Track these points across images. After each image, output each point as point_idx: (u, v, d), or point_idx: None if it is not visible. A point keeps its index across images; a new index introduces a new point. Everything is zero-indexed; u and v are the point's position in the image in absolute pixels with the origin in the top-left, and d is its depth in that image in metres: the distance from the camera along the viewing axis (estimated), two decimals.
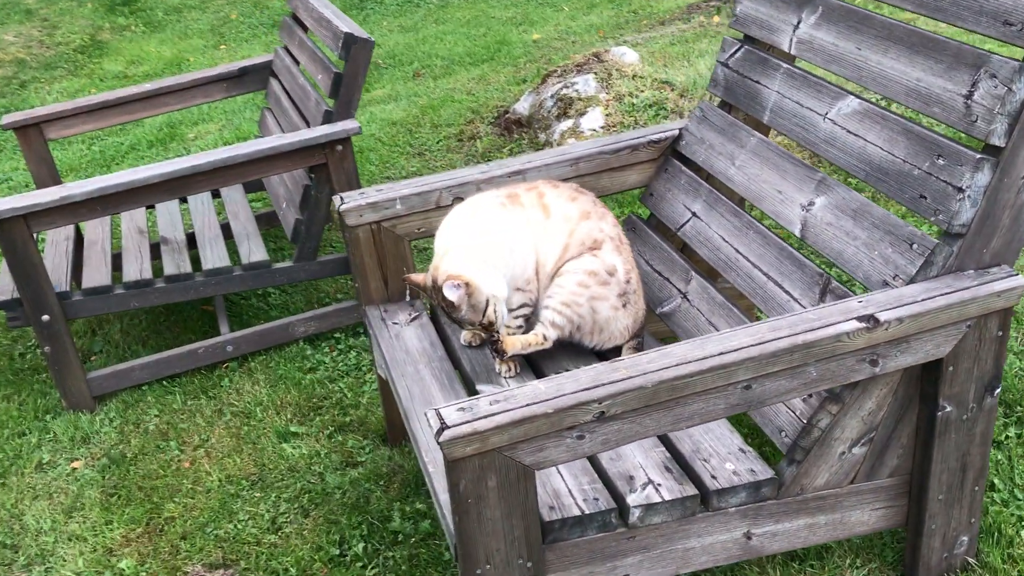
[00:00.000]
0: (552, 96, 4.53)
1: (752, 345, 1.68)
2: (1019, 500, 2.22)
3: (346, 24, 3.00)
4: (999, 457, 2.33)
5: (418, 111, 5.34)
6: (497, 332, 2.10)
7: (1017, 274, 1.78)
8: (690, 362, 1.66)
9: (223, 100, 6.49)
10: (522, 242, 2.14)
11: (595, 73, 4.58)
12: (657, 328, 2.54)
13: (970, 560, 2.07)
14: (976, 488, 1.99)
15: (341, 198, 2.40)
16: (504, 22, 7.45)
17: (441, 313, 2.15)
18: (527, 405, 1.60)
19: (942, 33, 1.91)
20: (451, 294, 2.02)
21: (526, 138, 4.53)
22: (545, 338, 2.16)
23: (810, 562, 2.14)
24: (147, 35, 8.62)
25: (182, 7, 9.33)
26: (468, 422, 1.57)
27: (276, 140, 2.93)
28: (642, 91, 4.39)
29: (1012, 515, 2.18)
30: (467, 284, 2.04)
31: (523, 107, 4.73)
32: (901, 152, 1.89)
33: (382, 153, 4.78)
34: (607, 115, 4.26)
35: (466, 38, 7.15)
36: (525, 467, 1.65)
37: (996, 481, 2.27)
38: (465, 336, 2.28)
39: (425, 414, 1.62)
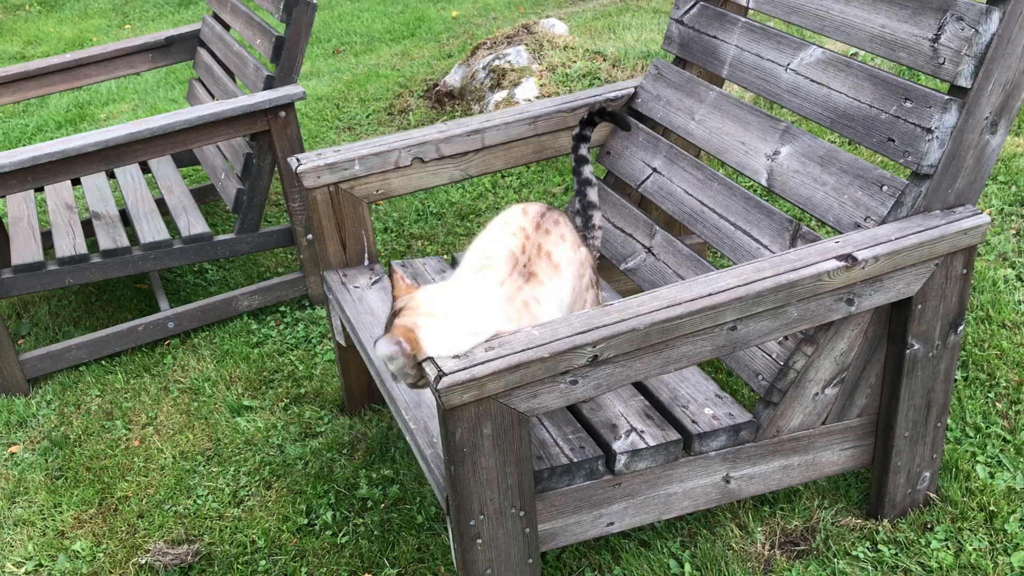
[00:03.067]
0: (484, 68, 4.50)
1: (739, 285, 1.70)
2: (971, 438, 2.31)
3: None
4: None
5: (343, 86, 5.24)
6: None
7: (981, 212, 1.84)
8: (680, 303, 1.67)
9: (135, 77, 6.26)
10: None
11: (526, 44, 4.56)
12: (622, 287, 2.55)
13: (932, 495, 2.15)
14: (939, 424, 2.06)
15: (298, 159, 2.33)
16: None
17: None
18: (523, 350, 1.59)
19: None
20: None
21: (459, 110, 4.49)
22: None
23: (780, 505, 2.19)
24: (44, 15, 8.24)
25: None
26: (465, 368, 1.55)
27: (218, 106, 2.82)
28: (574, 62, 4.39)
29: (966, 452, 2.26)
30: None
31: (454, 79, 4.68)
32: (867, 97, 1.93)
33: (310, 128, 4.68)
34: (541, 85, 4.25)
35: (383, 15, 7.05)
36: (520, 414, 1.63)
37: (949, 422, 2.35)
38: None
39: (422, 364, 1.59)
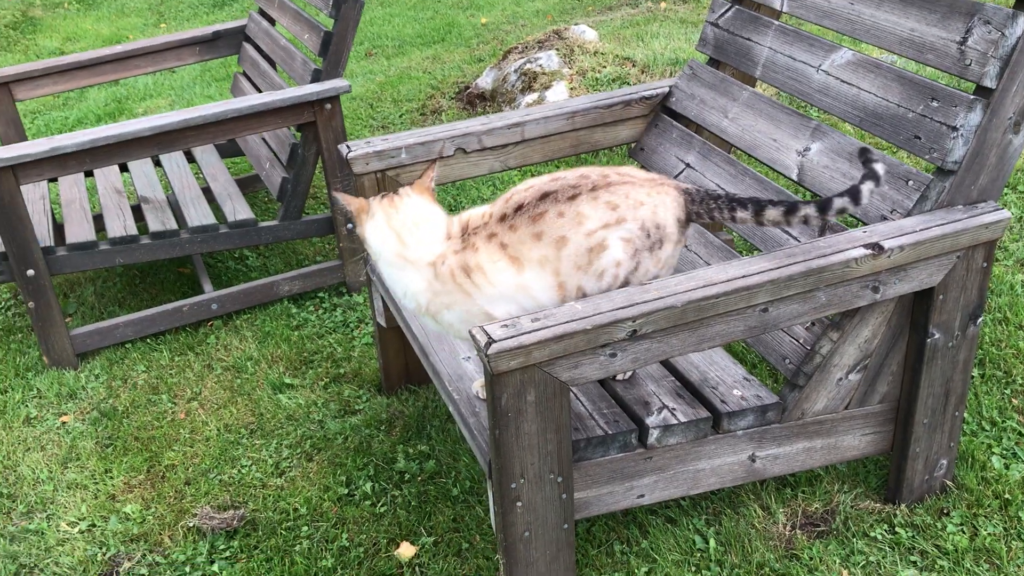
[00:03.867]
0: (516, 71, 4.61)
1: (771, 269, 1.80)
2: (987, 431, 2.40)
3: None
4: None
5: (376, 87, 5.37)
6: None
7: (1002, 208, 1.94)
8: (716, 283, 1.77)
9: (171, 75, 6.42)
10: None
11: (557, 49, 4.68)
12: None
13: (948, 483, 2.23)
14: (956, 413, 2.15)
15: (348, 146, 2.45)
16: (451, 6, 7.51)
17: None
18: (567, 322, 1.69)
19: None
20: None
21: (490, 111, 4.61)
22: None
23: (802, 488, 2.28)
24: (82, 13, 8.43)
25: None
26: (513, 336, 1.65)
27: (268, 96, 2.95)
28: (604, 67, 4.51)
29: (982, 443, 2.35)
30: None
31: (486, 82, 4.80)
32: (895, 97, 2.03)
33: (345, 126, 4.80)
34: (571, 88, 4.36)
35: (414, 21, 7.19)
36: (561, 383, 1.73)
37: (966, 416, 2.44)
38: None
39: (471, 332, 1.69)
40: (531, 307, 1.84)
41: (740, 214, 1.88)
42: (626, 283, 1.87)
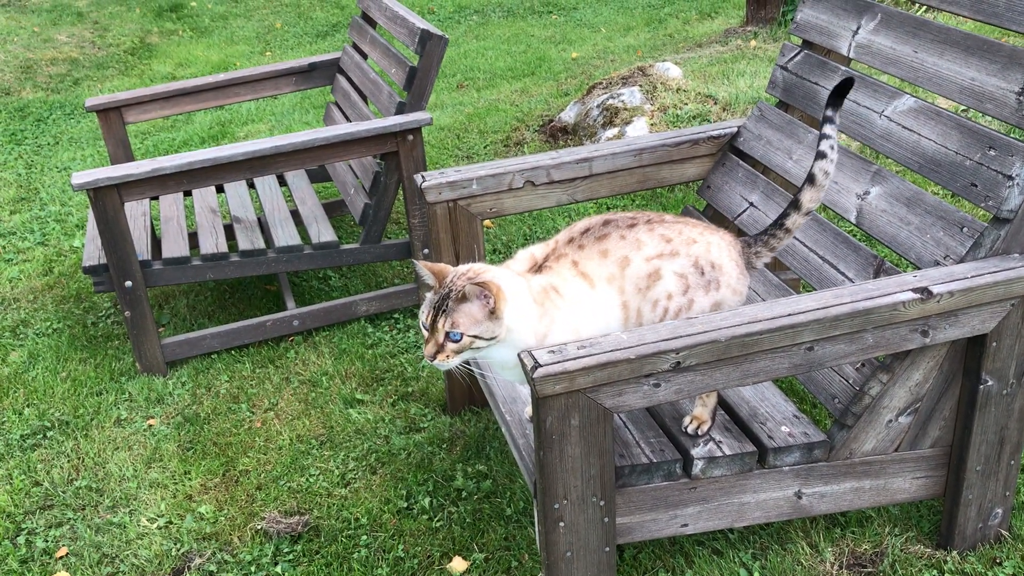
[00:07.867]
0: (598, 106, 4.71)
1: (817, 308, 1.84)
2: None
3: (421, 22, 3.19)
4: None
5: (464, 118, 5.54)
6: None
7: None
8: (761, 320, 1.82)
9: (272, 101, 6.73)
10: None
11: (640, 86, 4.76)
12: None
13: (1003, 532, 2.21)
14: (1012, 462, 2.13)
15: (423, 176, 2.58)
16: (543, 40, 7.68)
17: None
18: (611, 351, 1.76)
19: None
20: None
21: (571, 144, 4.71)
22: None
23: (851, 528, 2.29)
24: (194, 40, 8.88)
25: (228, 15, 9.62)
26: (558, 362, 1.74)
27: (354, 127, 3.11)
28: (686, 104, 4.57)
29: None
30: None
31: (569, 116, 4.92)
32: (954, 145, 2.06)
33: (431, 155, 4.98)
34: (652, 124, 4.44)
35: (507, 54, 7.37)
36: (605, 409, 1.81)
37: None
38: None
39: (519, 355, 1.78)
40: (604, 327, 1.93)
41: (790, 220, 2.08)
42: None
